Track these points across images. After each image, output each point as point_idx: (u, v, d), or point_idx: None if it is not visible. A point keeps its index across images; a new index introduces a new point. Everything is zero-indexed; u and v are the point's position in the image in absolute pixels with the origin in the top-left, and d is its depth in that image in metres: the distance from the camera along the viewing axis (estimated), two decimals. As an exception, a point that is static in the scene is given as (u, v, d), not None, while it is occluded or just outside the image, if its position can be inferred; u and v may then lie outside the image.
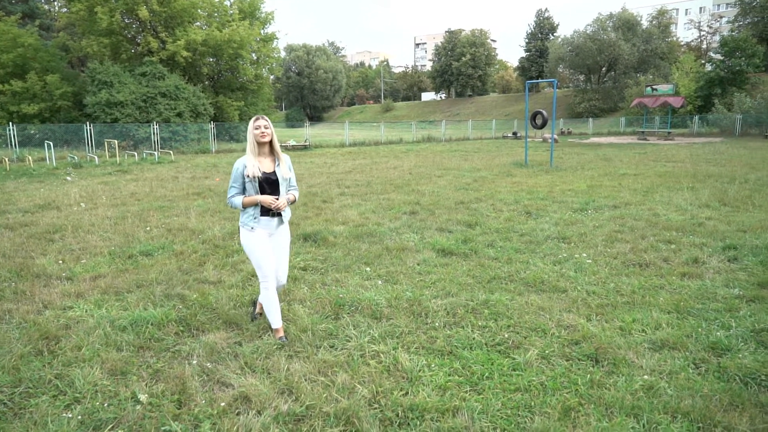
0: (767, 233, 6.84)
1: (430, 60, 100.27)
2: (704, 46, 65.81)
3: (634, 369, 3.39)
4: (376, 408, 2.99)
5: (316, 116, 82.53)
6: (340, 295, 4.73)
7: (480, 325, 4.12)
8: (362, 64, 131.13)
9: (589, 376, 3.31)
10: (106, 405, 3.05)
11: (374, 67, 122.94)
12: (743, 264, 5.62)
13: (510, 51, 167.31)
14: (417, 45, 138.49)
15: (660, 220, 7.82)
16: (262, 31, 32.94)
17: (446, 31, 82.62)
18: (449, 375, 3.35)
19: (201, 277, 5.39)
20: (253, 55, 32.67)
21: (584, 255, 6.05)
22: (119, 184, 12.96)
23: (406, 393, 3.14)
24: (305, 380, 3.31)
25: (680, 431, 2.73)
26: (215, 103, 30.23)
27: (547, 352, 3.65)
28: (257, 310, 4.30)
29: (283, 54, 70.64)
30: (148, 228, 7.68)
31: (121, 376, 3.39)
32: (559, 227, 7.49)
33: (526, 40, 74.94)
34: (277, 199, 3.75)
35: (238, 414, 2.96)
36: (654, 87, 38.36)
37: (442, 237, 6.98)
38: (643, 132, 35.95)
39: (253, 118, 3.76)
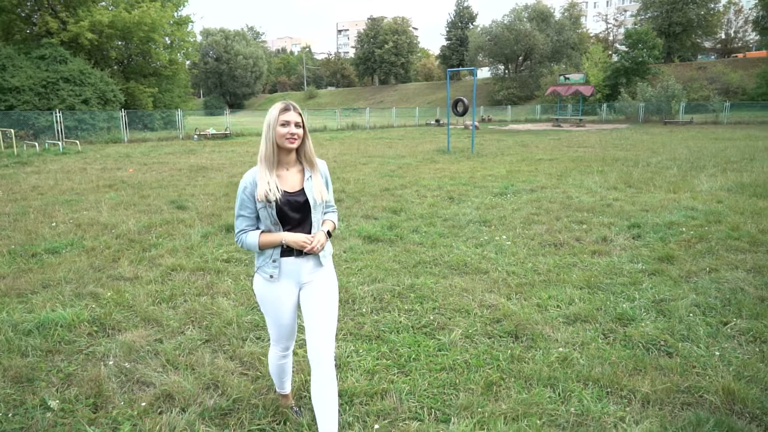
0: (666, 212, 7.45)
1: (353, 47, 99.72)
2: (611, 38, 70.14)
3: (550, 342, 3.60)
4: (305, 397, 2.98)
5: (236, 104, 79.86)
6: (266, 286, 4.65)
7: (406, 308, 4.21)
8: (284, 50, 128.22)
9: (509, 351, 3.48)
10: (11, 415, 2.83)
11: (296, 53, 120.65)
12: (646, 241, 6.10)
13: (432, 39, 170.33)
14: (339, 32, 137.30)
15: (573, 202, 8.30)
16: (175, 14, 31.36)
17: (369, 18, 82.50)
18: (377, 359, 3.40)
19: (115, 273, 5.10)
20: (167, 39, 31.07)
21: (504, 237, 6.31)
22: (18, 177, 11.93)
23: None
24: (232, 374, 3.23)
25: (591, 397, 2.94)
26: (126, 90, 28.48)
27: (470, 331, 3.79)
28: (290, 401, 2.94)
29: (199, 38, 67.34)
30: (53, 224, 7.14)
31: (27, 383, 3.15)
32: (480, 211, 7.75)
33: (447, 29, 76.42)
34: (311, 235, 2.44)
35: (160, 413, 2.85)
36: (566, 76, 40.47)
37: (368, 224, 7.03)
38: (557, 119, 37.90)
39: (278, 107, 2.37)
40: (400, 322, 3.96)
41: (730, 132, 25.22)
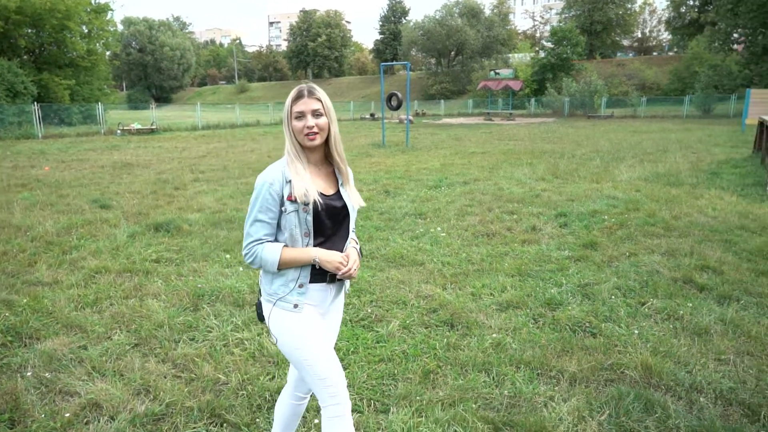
0: (590, 201, 7.86)
1: (285, 40, 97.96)
2: (538, 35, 72.96)
3: (485, 329, 3.72)
4: (242, 396, 2.92)
5: (163, 97, 76.48)
6: (199, 285, 4.51)
7: (344, 302, 4.20)
8: (212, 42, 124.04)
9: (445, 340, 3.56)
10: None
11: (226, 45, 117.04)
12: (572, 229, 6.41)
13: (365, 33, 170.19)
14: (271, 24, 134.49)
15: (504, 194, 8.59)
16: (93, 1, 29.52)
17: (301, 11, 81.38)
18: (316, 354, 3.38)
19: (32, 279, 4.77)
20: (84, 27, 29.21)
21: (439, 229, 6.44)
22: None
23: (273, 377, 3.12)
24: (164, 378, 3.11)
25: (523, 379, 3.07)
26: (39, 82, 26.54)
27: (408, 322, 3.85)
28: None
29: (120, 28, 63.92)
30: (-41, 227, 6.58)
31: (-68, 400, 2.89)
32: (415, 204, 7.87)
33: (380, 23, 76.70)
34: (344, 253, 1.99)
35: (87, 423, 2.70)
36: (497, 71, 41.74)
37: (305, 219, 6.95)
38: (488, 113, 39.01)
39: (291, 94, 1.95)
40: (339, 316, 3.95)
41: (647, 125, 26.94)
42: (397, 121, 32.78)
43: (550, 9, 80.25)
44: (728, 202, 7.66)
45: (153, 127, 25.19)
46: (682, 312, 3.92)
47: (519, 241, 5.92)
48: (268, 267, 1.91)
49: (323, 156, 2.04)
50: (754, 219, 6.58)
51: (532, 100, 43.79)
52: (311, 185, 1.90)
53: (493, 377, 3.10)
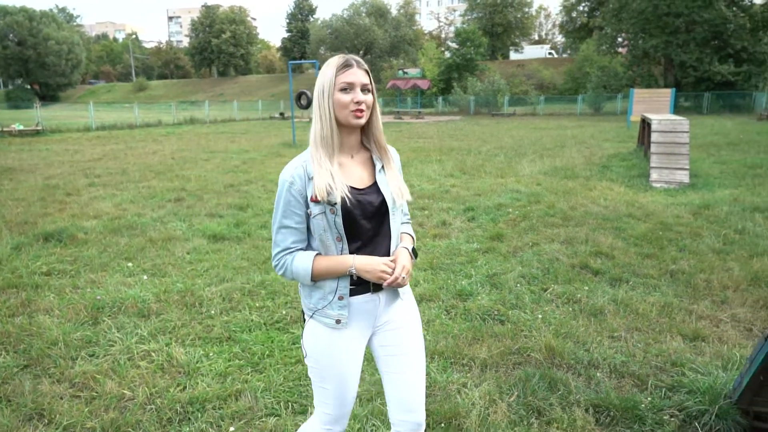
0: (495, 195, 8.24)
1: (186, 35, 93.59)
2: (443, 35, 75.28)
3: (400, 323, 3.78)
4: (150, 410, 2.77)
5: (50, 95, 70.19)
6: (98, 297, 4.20)
7: (258, 306, 4.10)
8: (105, 36, 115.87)
9: (362, 336, 3.58)
10: None
11: (121, 40, 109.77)
12: (479, 222, 6.69)
13: (272, 31, 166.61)
14: (170, 19, 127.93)
15: (415, 190, 8.78)
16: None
17: (203, 6, 78.08)
18: (229, 360, 3.27)
19: None
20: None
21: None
22: None
23: (184, 388, 2.97)
24: (61, 399, 2.87)
25: (438, 369, 3.16)
26: None
27: (324, 321, 3.82)
28: None
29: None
30: None
31: None
32: (329, 203, 7.83)
33: (287, 21, 75.52)
34: (389, 258, 1.69)
35: (-33, 457, 2.43)
36: (405, 71, 42.55)
37: (213, 222, 6.70)
38: (398, 112, 39.64)
39: (333, 63, 1.65)
40: (252, 320, 3.85)
41: (546, 122, 28.70)
42: (308, 120, 32.42)
43: (454, 10, 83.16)
44: (617, 192, 8.35)
45: (38, 128, 23.05)
46: (579, 295, 4.22)
47: (431, 236, 6.08)
48: (301, 279, 1.66)
49: (359, 141, 1.74)
50: (639, 207, 7.22)
51: (440, 98, 45.14)
52: (338, 178, 1.60)
53: (409, 370, 3.16)
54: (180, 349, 3.39)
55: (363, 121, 1.63)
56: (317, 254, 1.65)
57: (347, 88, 1.60)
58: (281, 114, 38.29)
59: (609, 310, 3.96)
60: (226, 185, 9.39)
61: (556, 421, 2.65)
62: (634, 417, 2.68)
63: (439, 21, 78.02)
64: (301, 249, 1.68)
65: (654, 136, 9.92)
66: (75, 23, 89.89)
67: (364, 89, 1.62)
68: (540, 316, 3.87)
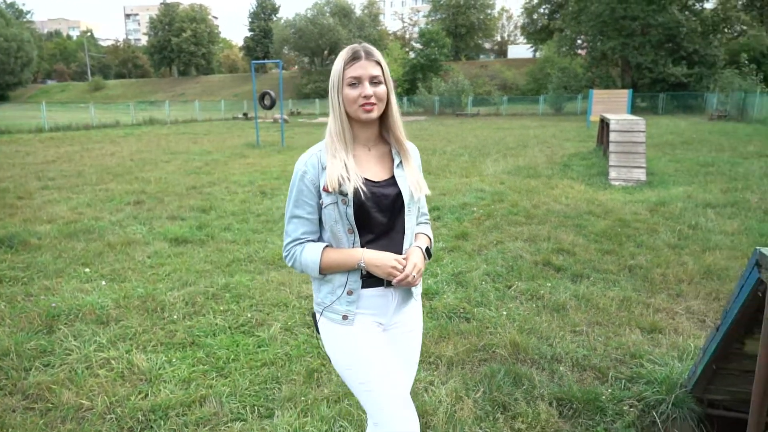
0: (460, 194, 8.32)
1: (145, 34, 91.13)
2: (407, 36, 75.64)
3: (367, 324, 3.78)
4: (110, 420, 2.68)
5: (-1, 95, 67.25)
6: (53, 305, 4.04)
7: (222, 309, 4.03)
8: (58, 33, 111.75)
9: (329, 338, 3.56)
10: None
11: (75, 38, 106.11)
12: (445, 221, 6.74)
13: (234, 30, 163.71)
14: (128, 16, 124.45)
15: (380, 190, 8.78)
16: None
17: (162, 3, 76.27)
18: (193, 366, 3.20)
19: None
20: None
21: (318, 228, 6.41)
22: None
23: (146, 395, 2.89)
24: (13, 412, 2.75)
25: (405, 369, 3.17)
26: None
27: (289, 323, 3.79)
28: None
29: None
30: None
31: None
32: (294, 204, 7.76)
33: (250, 20, 74.48)
34: (402, 255, 1.66)
35: None
36: (369, 71, 42.39)
37: (175, 225, 6.55)
38: (362, 112, 39.57)
39: (342, 56, 1.62)
40: (217, 324, 3.78)
41: (509, 122, 29.18)
42: (272, 120, 32.11)
43: (418, 11, 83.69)
44: (578, 190, 8.56)
45: (-12, 129, 22.03)
46: (542, 291, 4.31)
47: (397, 236, 6.08)
48: (309, 272, 1.63)
49: (378, 133, 1.69)
50: (598, 205, 7.42)
51: (405, 99, 45.34)
52: (352, 169, 1.56)
53: (376, 370, 3.16)
54: (141, 355, 3.30)
55: (374, 115, 1.60)
56: (326, 246, 1.62)
57: (355, 82, 1.57)
58: (245, 114, 37.75)
59: (571, 305, 4.05)
60: (188, 187, 9.19)
61: (521, 416, 2.69)
62: (595, 409, 2.75)
63: (404, 21, 78.48)
64: (311, 240, 1.64)
65: (612, 136, 10.22)
66: (25, 19, 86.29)
67: (374, 81, 1.58)
68: (505, 313, 3.93)
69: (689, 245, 5.48)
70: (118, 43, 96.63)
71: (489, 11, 65.98)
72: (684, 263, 4.91)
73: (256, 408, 2.79)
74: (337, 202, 1.57)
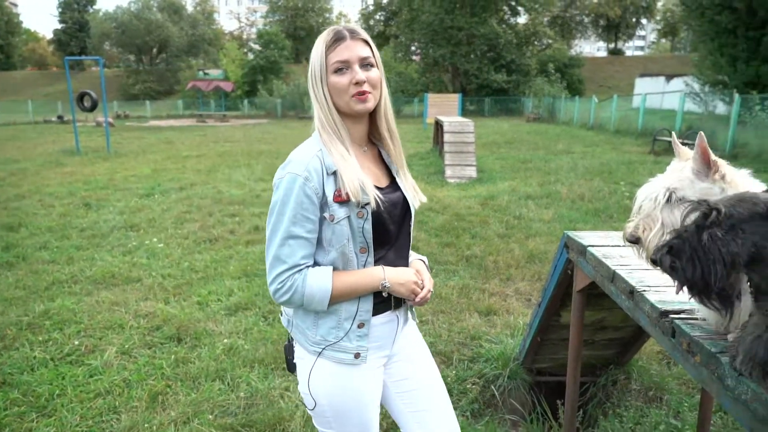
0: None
1: None
2: (245, 36, 73.40)
3: (215, 336, 3.59)
4: None
5: None
6: None
7: (41, 340, 3.52)
8: None
9: (173, 356, 3.31)
10: None
11: None
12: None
13: (40, 20, 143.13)
14: None
15: (224, 197, 8.41)
16: None
17: (-58, -14, 64.17)
18: (5, 410, 2.74)
19: None
20: None
21: (155, 240, 5.93)
22: None
23: (-58, 454, 2.42)
24: None
25: (258, 377, 3.07)
26: None
27: (127, 346, 3.44)
28: None
29: None
30: None
31: None
32: (125, 216, 7.08)
33: (60, 10, 66.17)
34: (415, 271, 1.45)
35: None
36: (206, 71, 40.44)
37: (-26, 246, 5.57)
38: (201, 115, 37.55)
39: (323, 38, 1.34)
40: (35, 357, 3.29)
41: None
42: (94, 124, 28.93)
43: (255, 11, 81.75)
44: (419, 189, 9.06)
45: None
46: (390, 286, 4.48)
47: (243, 243, 5.88)
48: (314, 304, 1.29)
49: (366, 131, 1.43)
50: (437, 201, 7.94)
51: (245, 101, 44.01)
52: (368, 178, 1.30)
53: (228, 383, 3.02)
54: (-68, 406, 2.74)
55: (371, 105, 1.35)
56: (333, 267, 1.33)
57: (342, 67, 1.30)
58: (60, 117, 33.45)
59: (417, 297, 4.27)
60: (-10, 201, 7.87)
61: (376, 409, 2.77)
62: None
63: (240, 21, 75.94)
64: (309, 266, 1.32)
65: (446, 137, 11.02)
66: None
67: (365, 64, 1.32)
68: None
69: (515, 234, 6.12)
70: None
71: (327, 15, 66.94)
72: (511, 250, 5.48)
73: (89, 445, 2.49)
74: (348, 216, 1.29)
